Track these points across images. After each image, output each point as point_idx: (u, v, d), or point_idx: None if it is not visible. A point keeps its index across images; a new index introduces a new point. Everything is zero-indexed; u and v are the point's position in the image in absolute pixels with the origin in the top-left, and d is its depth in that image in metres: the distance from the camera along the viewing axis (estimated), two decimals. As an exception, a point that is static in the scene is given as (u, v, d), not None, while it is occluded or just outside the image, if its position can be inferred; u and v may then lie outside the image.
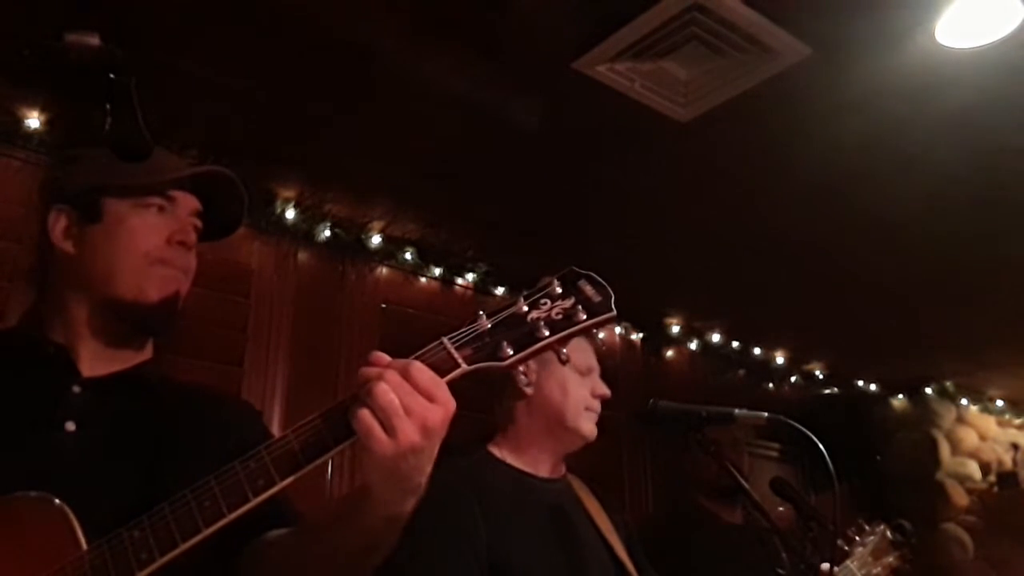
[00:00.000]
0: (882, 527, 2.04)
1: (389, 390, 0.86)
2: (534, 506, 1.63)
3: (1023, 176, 2.96)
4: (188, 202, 1.25)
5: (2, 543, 0.93)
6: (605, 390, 1.74)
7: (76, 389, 1.14)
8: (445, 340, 0.92)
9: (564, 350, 0.95)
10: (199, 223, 1.26)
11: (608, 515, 1.76)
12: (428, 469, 0.92)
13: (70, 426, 1.10)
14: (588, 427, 1.70)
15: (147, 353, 1.24)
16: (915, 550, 2.04)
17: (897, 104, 2.54)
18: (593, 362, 1.75)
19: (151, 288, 1.17)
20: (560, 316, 0.94)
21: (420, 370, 0.88)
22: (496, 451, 1.70)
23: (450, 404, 0.89)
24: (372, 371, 0.88)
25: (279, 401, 3.01)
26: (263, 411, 2.89)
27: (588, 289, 0.96)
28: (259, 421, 1.33)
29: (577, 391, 1.69)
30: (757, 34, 2.21)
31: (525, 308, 0.94)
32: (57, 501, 0.94)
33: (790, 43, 2.25)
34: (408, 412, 0.86)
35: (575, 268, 0.98)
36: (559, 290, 0.96)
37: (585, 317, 0.94)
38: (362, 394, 0.87)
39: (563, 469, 1.76)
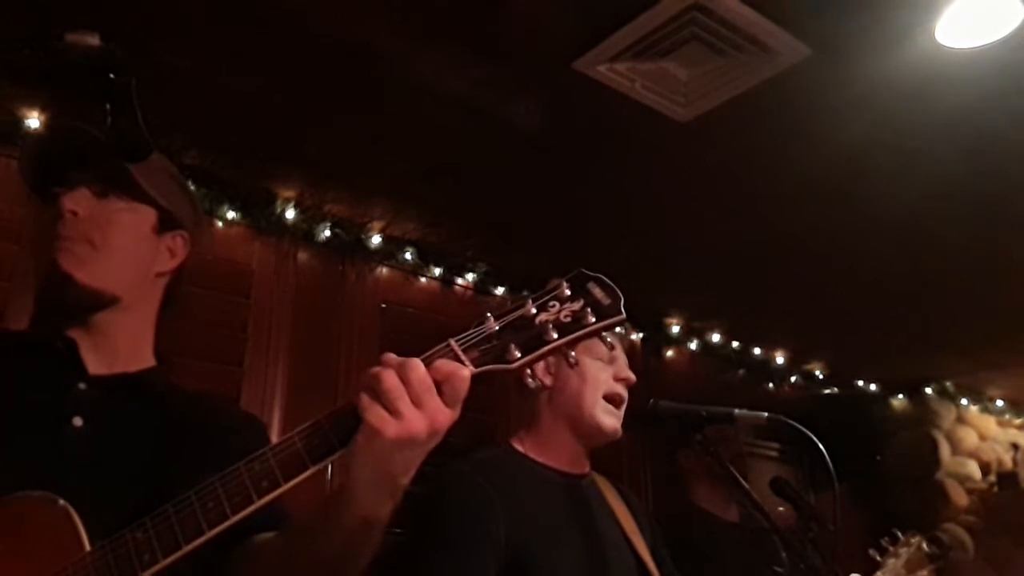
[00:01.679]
0: (917, 538, 1.98)
1: (392, 374, 0.86)
2: (557, 501, 1.61)
3: (1023, 176, 2.96)
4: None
5: (5, 543, 0.93)
6: (628, 373, 1.71)
7: (82, 386, 1.15)
8: (452, 342, 0.92)
9: (572, 353, 0.95)
10: (87, 194, 1.21)
11: (633, 515, 1.74)
12: (412, 473, 0.92)
13: (77, 421, 1.10)
14: (608, 421, 1.66)
15: (149, 360, 1.25)
16: (952, 566, 1.99)
17: (897, 104, 2.54)
18: (616, 345, 1.72)
19: (42, 270, 1.18)
20: (569, 319, 0.93)
21: (437, 370, 0.88)
22: (519, 446, 1.69)
23: (457, 412, 0.89)
24: (391, 361, 0.88)
25: (279, 401, 3.01)
26: (263, 411, 2.91)
27: (597, 291, 0.96)
28: (263, 432, 1.32)
29: (597, 375, 1.66)
30: (757, 34, 2.21)
31: (533, 310, 0.94)
32: (61, 501, 0.94)
33: (790, 43, 2.25)
34: (419, 405, 0.86)
35: (584, 270, 0.98)
36: (568, 292, 0.95)
37: (594, 320, 0.93)
38: (368, 380, 0.88)
39: (587, 465, 1.74)
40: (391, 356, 0.89)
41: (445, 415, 0.88)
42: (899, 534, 1.95)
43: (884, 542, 1.93)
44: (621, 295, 0.96)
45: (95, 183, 1.21)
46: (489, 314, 0.94)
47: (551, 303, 0.94)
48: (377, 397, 0.86)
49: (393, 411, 0.86)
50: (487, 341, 0.92)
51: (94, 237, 1.18)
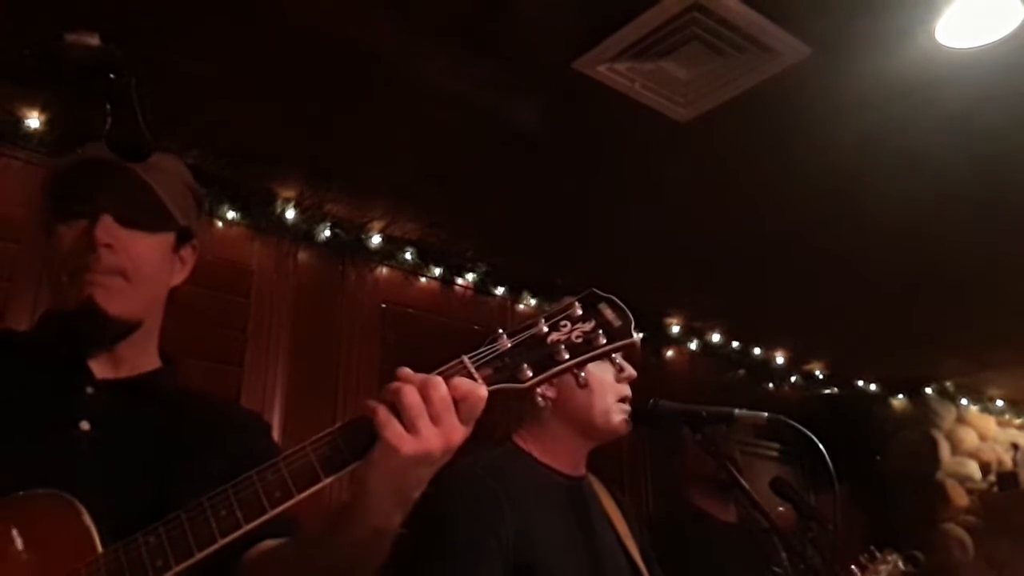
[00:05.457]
0: (894, 556, 1.98)
1: (414, 391, 0.87)
2: (559, 504, 1.62)
3: (1023, 176, 2.96)
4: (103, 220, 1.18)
5: (17, 541, 0.93)
6: (631, 370, 1.70)
7: (90, 390, 1.14)
8: (465, 359, 0.92)
9: (583, 373, 0.96)
10: (114, 223, 1.17)
11: (626, 519, 1.74)
12: (424, 486, 0.92)
13: (84, 425, 1.10)
14: (619, 421, 1.66)
15: (154, 362, 1.25)
16: (952, 566, 2.01)
17: (897, 104, 2.54)
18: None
19: (70, 298, 1.15)
20: (580, 339, 0.94)
21: (456, 388, 0.89)
22: (522, 443, 1.68)
23: (470, 429, 0.90)
24: (412, 377, 0.89)
25: (279, 401, 3.01)
26: (263, 411, 2.90)
27: (608, 313, 0.96)
28: (268, 433, 1.32)
29: (601, 379, 1.65)
30: (757, 34, 2.21)
31: (545, 329, 0.94)
32: (74, 500, 0.94)
33: (790, 43, 2.25)
34: (437, 422, 0.87)
35: (596, 291, 0.98)
36: (579, 313, 0.96)
37: (605, 342, 0.94)
38: (388, 395, 0.88)
39: (585, 468, 1.74)
40: (409, 372, 0.90)
41: (460, 433, 0.89)
42: (876, 552, 1.96)
43: (863, 559, 1.93)
44: (632, 317, 0.97)
45: (121, 210, 1.19)
46: (501, 331, 0.94)
47: (563, 322, 0.95)
48: (396, 413, 0.87)
49: (411, 428, 0.86)
50: (500, 359, 0.92)
51: (127, 268, 1.17)
